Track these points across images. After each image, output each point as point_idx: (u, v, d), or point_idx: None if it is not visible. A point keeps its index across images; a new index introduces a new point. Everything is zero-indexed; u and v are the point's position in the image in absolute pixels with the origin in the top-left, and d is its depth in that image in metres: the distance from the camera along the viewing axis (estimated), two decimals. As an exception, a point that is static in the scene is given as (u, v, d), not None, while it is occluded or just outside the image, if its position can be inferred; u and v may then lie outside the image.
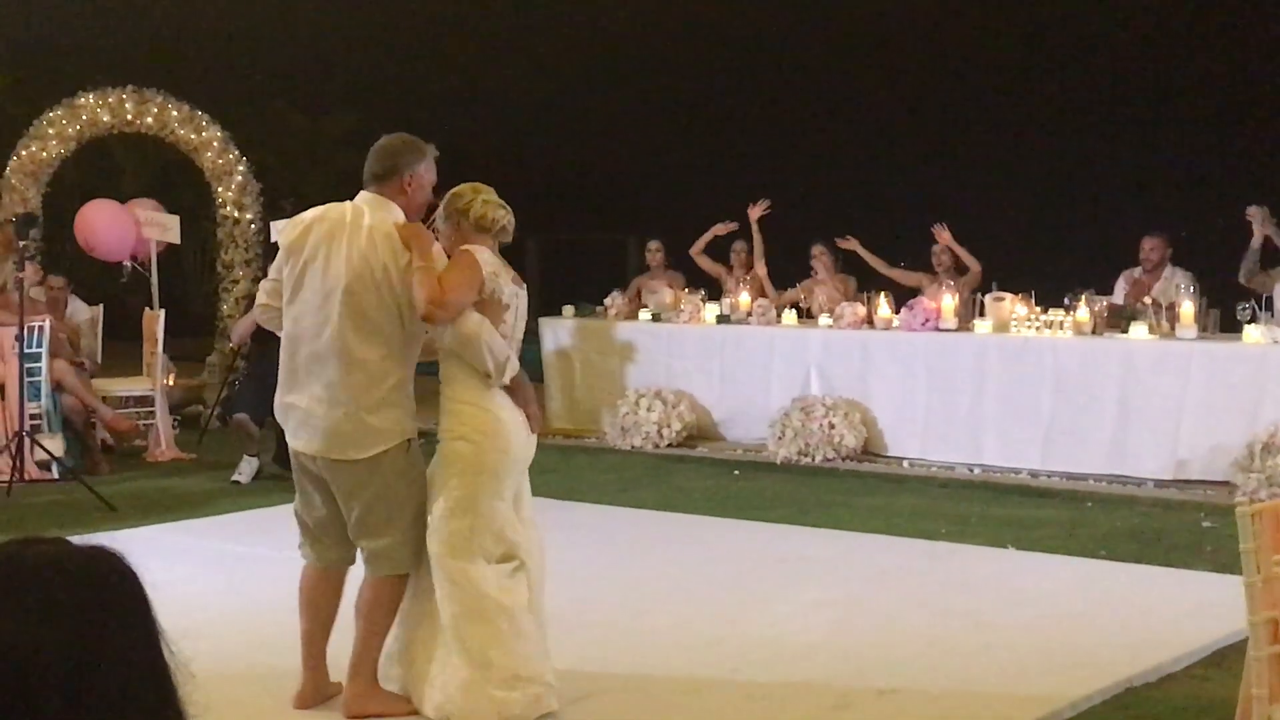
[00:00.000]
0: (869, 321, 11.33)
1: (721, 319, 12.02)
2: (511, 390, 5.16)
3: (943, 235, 11.62)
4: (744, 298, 12.06)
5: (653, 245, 13.16)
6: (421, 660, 5.11)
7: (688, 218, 13.17)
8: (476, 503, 5.04)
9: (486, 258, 5.12)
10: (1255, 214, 10.27)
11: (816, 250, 12.32)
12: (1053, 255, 14.77)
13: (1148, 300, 10.64)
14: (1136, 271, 11.12)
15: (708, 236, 12.69)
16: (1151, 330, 10.22)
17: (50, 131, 13.29)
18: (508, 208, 5.31)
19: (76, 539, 1.58)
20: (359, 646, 5.12)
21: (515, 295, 5.21)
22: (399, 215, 5.18)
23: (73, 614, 1.48)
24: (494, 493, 5.08)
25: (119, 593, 1.54)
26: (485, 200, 5.26)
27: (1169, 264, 10.99)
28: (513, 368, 5.12)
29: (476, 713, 4.94)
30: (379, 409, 5.06)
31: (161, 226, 13.02)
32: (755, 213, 12.28)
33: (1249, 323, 9.88)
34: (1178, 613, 6.63)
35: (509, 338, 5.16)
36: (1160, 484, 9.74)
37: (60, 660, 1.45)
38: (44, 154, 13.27)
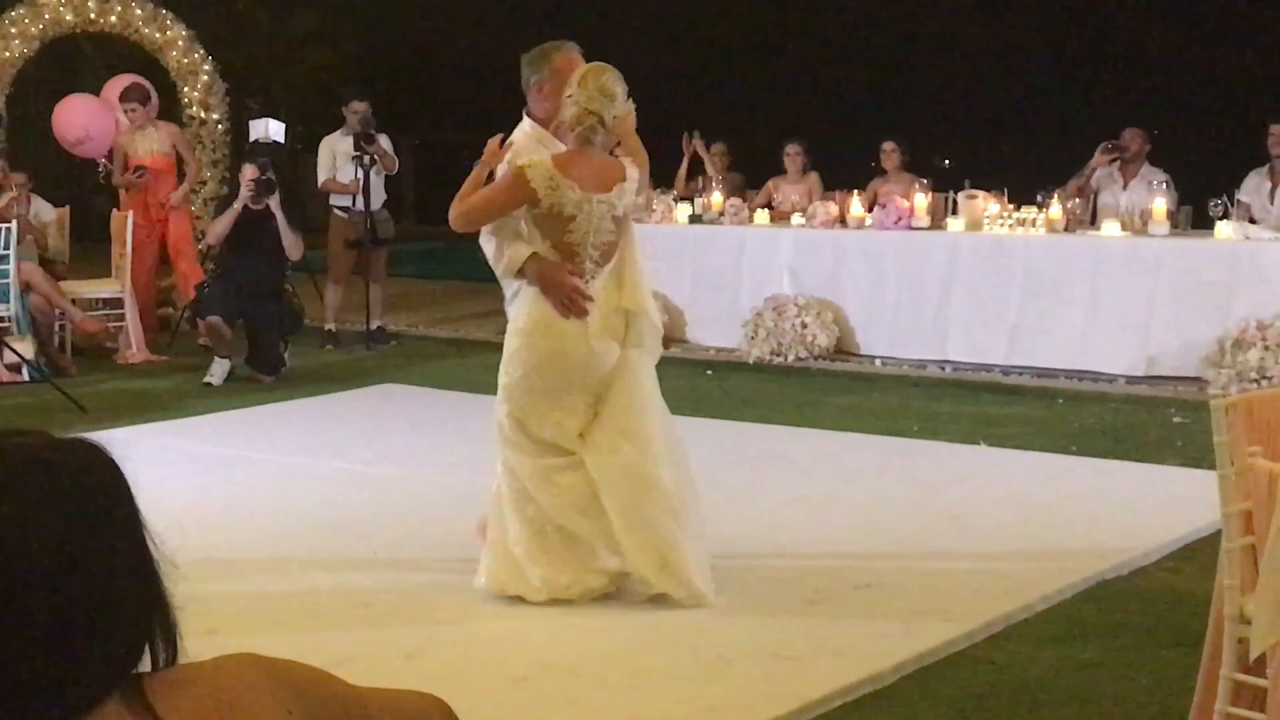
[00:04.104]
0: (841, 220, 11.30)
1: (694, 219, 11.96)
2: (531, 273, 5.27)
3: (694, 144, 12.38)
4: (716, 197, 11.99)
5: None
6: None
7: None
8: (513, 393, 5.32)
9: (539, 173, 5.15)
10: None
11: (791, 150, 12.29)
12: (1027, 151, 14.73)
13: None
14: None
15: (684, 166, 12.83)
16: (1124, 227, 10.24)
17: (12, 31, 13.04)
18: (599, 109, 5.21)
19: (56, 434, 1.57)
20: None
21: (584, 204, 5.18)
22: (525, 127, 5.53)
23: (57, 504, 1.47)
24: (537, 391, 5.27)
25: (102, 484, 1.52)
26: (574, 101, 5.23)
27: (1146, 162, 10.95)
28: (513, 259, 5.26)
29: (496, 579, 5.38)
30: None
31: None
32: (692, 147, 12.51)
33: (1221, 219, 9.90)
34: (1148, 507, 6.69)
35: (579, 245, 5.21)
36: (1131, 380, 9.78)
37: (45, 551, 1.44)
38: (6, 54, 13.05)
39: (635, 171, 5.38)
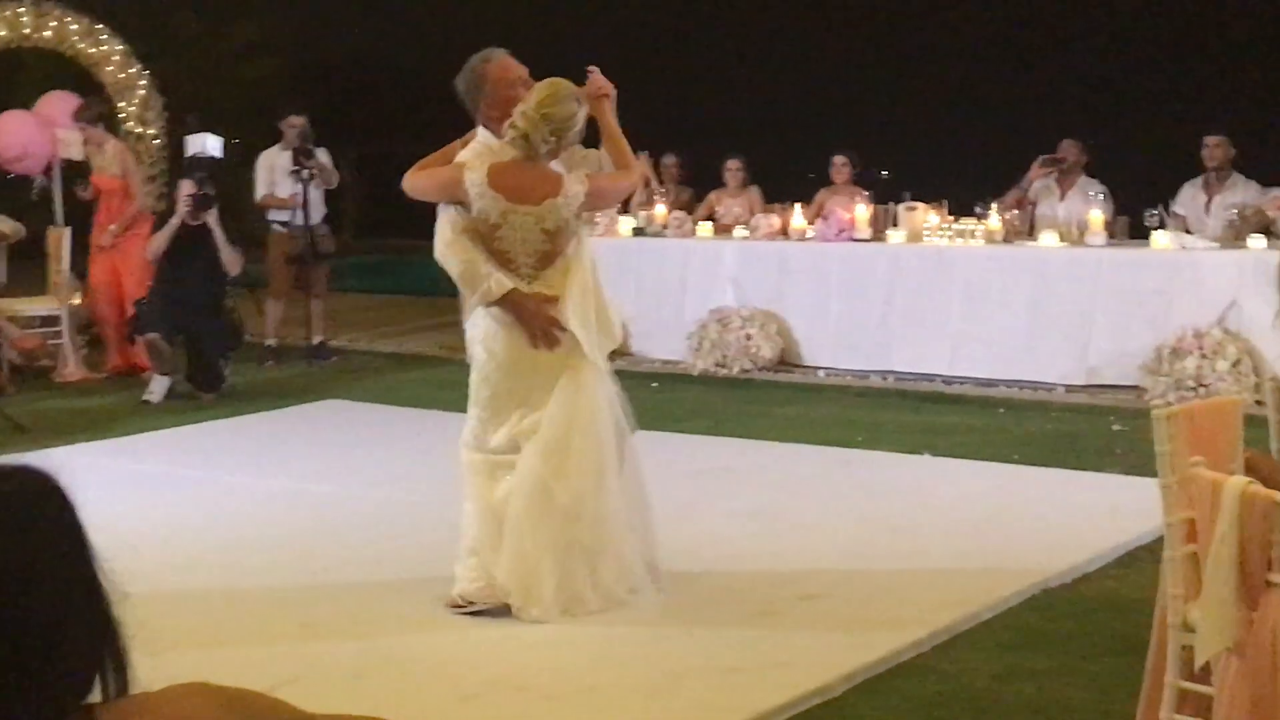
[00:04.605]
0: (784, 233, 11.34)
1: (637, 232, 11.96)
2: (508, 305, 5.38)
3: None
4: (659, 210, 12.00)
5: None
6: None
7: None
8: (476, 397, 5.48)
9: (472, 178, 5.33)
10: None
11: (732, 165, 12.32)
12: (967, 162, 14.82)
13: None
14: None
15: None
16: (1062, 238, 10.33)
17: (-54, 46, 12.89)
18: (526, 128, 5.33)
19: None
20: None
21: (509, 214, 5.32)
22: (481, 137, 5.57)
23: (6, 533, 1.45)
24: (488, 393, 5.45)
25: (52, 511, 1.51)
26: (515, 111, 5.39)
27: (1083, 174, 11.05)
28: (493, 290, 5.33)
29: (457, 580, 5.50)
30: None
31: (64, 143, 12.71)
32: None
33: (1157, 229, 9.99)
34: (1090, 515, 6.73)
35: (509, 252, 5.35)
36: (1071, 389, 9.86)
37: None
38: (-61, 69, 12.89)
39: (579, 186, 5.41)
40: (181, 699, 1.52)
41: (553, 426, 5.37)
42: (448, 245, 5.42)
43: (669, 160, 12.85)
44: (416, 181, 5.54)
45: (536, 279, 5.38)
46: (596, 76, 5.64)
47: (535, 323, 5.36)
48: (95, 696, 1.50)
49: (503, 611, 5.39)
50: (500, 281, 5.34)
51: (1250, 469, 3.75)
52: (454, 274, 5.45)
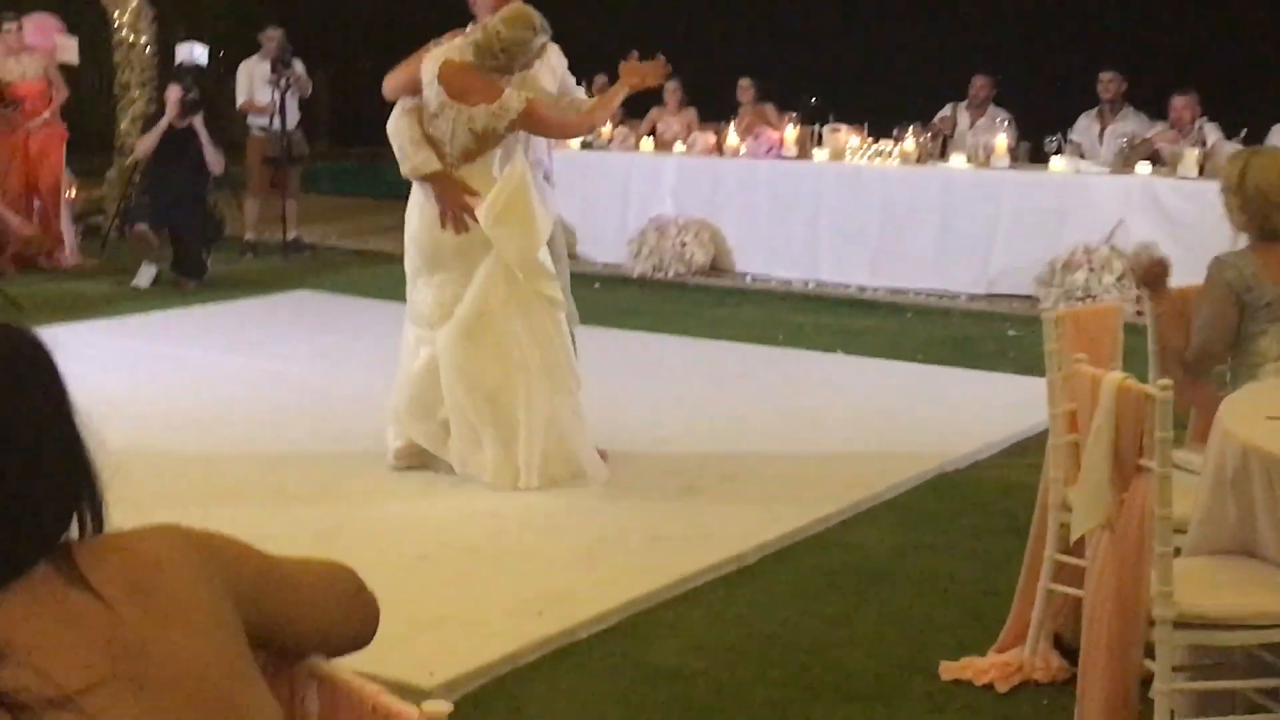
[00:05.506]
0: (719, 149, 11.30)
1: (585, 145, 11.85)
2: (431, 182, 5.37)
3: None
4: (605, 126, 11.88)
5: None
6: None
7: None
8: (408, 271, 5.54)
9: (427, 66, 5.35)
10: None
11: (670, 86, 12.19)
12: (885, 88, 14.71)
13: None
14: (963, 105, 11.19)
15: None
16: (969, 160, 10.34)
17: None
18: (478, 39, 5.31)
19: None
20: None
21: (446, 107, 5.30)
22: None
23: None
24: (410, 265, 5.52)
25: (29, 362, 1.48)
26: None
27: (991, 104, 11.07)
28: (420, 166, 5.34)
29: None
30: None
31: (61, 47, 12.43)
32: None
33: (1055, 154, 10.02)
34: (985, 409, 6.79)
35: (440, 140, 5.34)
36: (973, 298, 9.92)
37: None
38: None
39: (516, 104, 5.27)
40: (154, 538, 1.50)
41: (462, 314, 5.36)
42: (394, 121, 5.45)
43: (600, 81, 12.66)
44: (390, 79, 5.49)
45: (459, 170, 5.36)
46: (649, 67, 5.83)
47: (448, 204, 5.33)
48: (73, 536, 1.48)
49: (440, 468, 5.51)
50: (428, 160, 5.33)
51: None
52: (395, 146, 5.45)
